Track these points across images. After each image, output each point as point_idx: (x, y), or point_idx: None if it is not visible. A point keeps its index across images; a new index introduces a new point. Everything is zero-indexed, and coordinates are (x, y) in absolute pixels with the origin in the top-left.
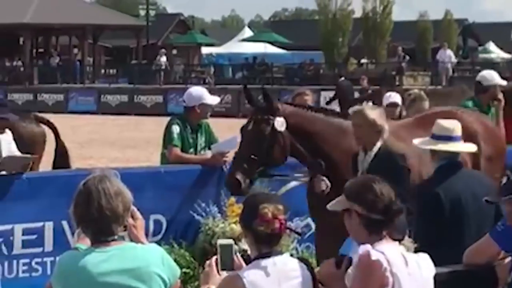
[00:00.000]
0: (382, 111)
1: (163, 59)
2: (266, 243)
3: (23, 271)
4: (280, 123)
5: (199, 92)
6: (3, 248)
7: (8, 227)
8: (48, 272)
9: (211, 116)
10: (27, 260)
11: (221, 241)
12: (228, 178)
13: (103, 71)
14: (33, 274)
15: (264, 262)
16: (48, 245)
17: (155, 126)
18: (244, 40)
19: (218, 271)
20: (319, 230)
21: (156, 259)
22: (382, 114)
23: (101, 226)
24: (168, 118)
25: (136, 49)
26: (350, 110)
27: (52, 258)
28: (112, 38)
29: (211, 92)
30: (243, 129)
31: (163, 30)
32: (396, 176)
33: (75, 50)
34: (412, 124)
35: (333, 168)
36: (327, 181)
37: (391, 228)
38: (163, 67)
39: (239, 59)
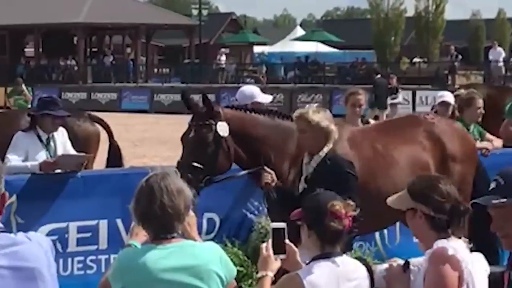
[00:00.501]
0: (327, 113)
1: (223, 58)
2: (331, 242)
3: (78, 269)
4: (223, 128)
5: (251, 90)
6: (58, 245)
7: (63, 225)
8: (102, 269)
9: None
10: (81, 258)
11: (274, 225)
12: None
13: (156, 70)
14: (88, 271)
15: (325, 262)
16: (103, 243)
17: None
18: (296, 39)
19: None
20: None
21: (214, 257)
22: (327, 116)
23: (163, 223)
24: None
25: (189, 48)
26: (293, 114)
27: (106, 256)
28: (165, 38)
29: (263, 91)
30: (183, 137)
31: (215, 30)
32: (342, 183)
33: (128, 50)
34: (373, 130)
35: (277, 174)
36: (274, 175)
37: (456, 227)
38: (223, 66)
39: (291, 58)
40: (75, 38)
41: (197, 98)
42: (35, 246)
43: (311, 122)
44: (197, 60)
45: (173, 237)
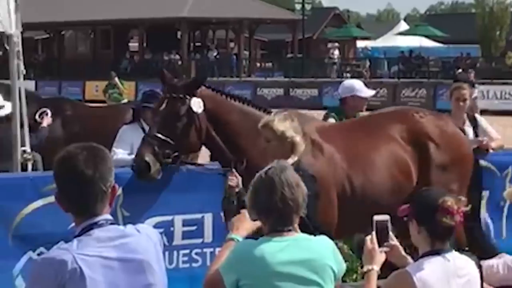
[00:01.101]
0: (295, 123)
1: (336, 52)
2: (441, 238)
3: (183, 262)
4: (197, 104)
5: (352, 83)
6: (164, 238)
7: (168, 218)
8: (208, 262)
9: (367, 109)
10: (187, 251)
11: (377, 217)
12: (136, 159)
13: (258, 64)
14: (193, 264)
15: (435, 258)
16: (208, 236)
17: None
18: (399, 33)
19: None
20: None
21: (328, 251)
22: (294, 126)
23: (283, 216)
24: (323, 112)
25: (292, 42)
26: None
27: (211, 249)
28: (268, 32)
29: (366, 85)
30: (155, 109)
31: (318, 24)
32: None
33: (232, 44)
34: (351, 125)
35: (247, 167)
36: (240, 181)
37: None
38: (336, 60)
39: (395, 52)
40: (179, 33)
41: (300, 92)
42: (144, 238)
43: (276, 131)
44: (300, 55)
45: (289, 230)
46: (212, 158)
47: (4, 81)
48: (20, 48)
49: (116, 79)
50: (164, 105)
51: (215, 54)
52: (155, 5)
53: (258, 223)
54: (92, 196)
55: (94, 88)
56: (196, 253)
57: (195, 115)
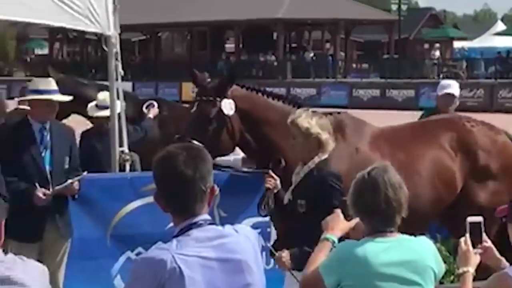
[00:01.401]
0: (323, 120)
1: (437, 53)
2: None
3: None
4: (228, 106)
5: (443, 82)
6: (261, 239)
7: (265, 219)
8: None
9: (464, 110)
10: None
11: (470, 219)
12: None
13: (354, 65)
14: None
15: None
16: None
17: (407, 120)
18: (497, 34)
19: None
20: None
21: (429, 252)
22: (321, 123)
23: (386, 216)
24: (419, 113)
25: (388, 43)
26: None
27: None
28: (364, 33)
29: (462, 86)
30: (187, 112)
31: (415, 25)
32: (323, 199)
33: (327, 45)
34: (402, 132)
35: (285, 166)
36: (278, 182)
37: None
38: (436, 61)
39: (492, 53)
40: (275, 34)
41: (396, 93)
42: (243, 238)
43: (300, 128)
44: (396, 55)
45: (391, 231)
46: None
47: (102, 82)
48: (118, 49)
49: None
50: (194, 108)
51: (311, 55)
52: (251, 6)
53: (352, 223)
54: (191, 196)
55: (190, 89)
56: None
57: (226, 117)
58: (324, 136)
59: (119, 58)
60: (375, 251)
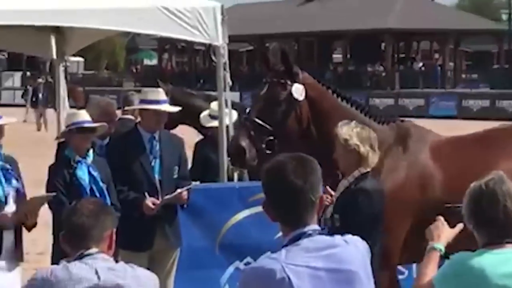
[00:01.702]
0: (366, 133)
1: None
2: None
3: None
4: (299, 90)
5: None
6: None
7: None
8: (413, 274)
9: None
10: None
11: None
12: (231, 143)
13: (463, 76)
14: (400, 276)
15: None
16: None
17: None
18: None
19: None
20: None
21: None
22: (363, 136)
23: (505, 228)
24: None
25: (498, 53)
26: None
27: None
28: (473, 43)
29: None
30: (255, 94)
31: None
32: (351, 217)
33: (436, 55)
34: (469, 141)
35: (339, 173)
36: (333, 196)
37: None
38: None
39: None
40: (383, 44)
41: (506, 103)
42: (352, 249)
43: (339, 139)
44: (506, 66)
45: (508, 242)
46: None
47: (211, 93)
48: (226, 60)
49: None
50: (264, 90)
51: (419, 65)
52: (359, 16)
53: (456, 230)
54: (301, 206)
55: None
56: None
57: (295, 102)
58: (363, 149)
59: (227, 68)
60: (493, 263)
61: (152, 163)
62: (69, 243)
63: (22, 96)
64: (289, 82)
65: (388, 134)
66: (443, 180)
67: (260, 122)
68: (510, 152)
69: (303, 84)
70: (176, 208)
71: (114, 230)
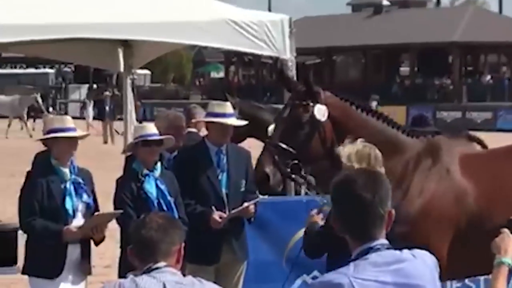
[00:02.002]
0: (367, 149)
1: None
2: None
3: None
4: (321, 111)
5: None
6: None
7: None
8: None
9: None
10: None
11: None
12: (256, 169)
13: None
14: None
15: None
16: None
17: None
18: None
19: None
20: None
21: None
22: (361, 153)
23: None
24: None
25: None
26: None
27: (485, 276)
28: None
29: None
30: (278, 117)
31: None
32: None
33: (504, 68)
34: (502, 154)
35: None
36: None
37: None
38: None
39: None
40: (450, 57)
41: None
42: (420, 263)
43: (340, 156)
44: None
45: None
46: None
47: (278, 106)
48: (294, 73)
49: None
50: (286, 112)
51: (487, 78)
52: (426, 29)
53: None
54: (370, 220)
55: None
56: (469, 280)
57: (318, 123)
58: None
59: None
60: None
61: (219, 177)
62: (137, 257)
63: (81, 109)
64: (311, 103)
65: (417, 147)
66: (478, 193)
67: (283, 146)
68: None
69: (325, 104)
70: (243, 221)
71: (183, 244)
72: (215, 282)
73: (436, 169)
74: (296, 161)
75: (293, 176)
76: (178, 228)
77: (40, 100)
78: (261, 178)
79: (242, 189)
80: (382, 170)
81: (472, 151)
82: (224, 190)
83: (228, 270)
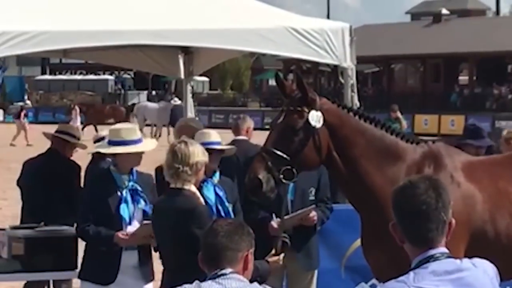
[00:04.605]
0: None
1: None
2: None
3: None
4: (315, 117)
5: None
6: None
7: None
8: None
9: None
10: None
11: None
12: (248, 176)
13: None
14: None
15: None
16: None
17: None
18: None
19: None
20: None
21: None
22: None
23: None
24: None
25: None
26: None
27: None
28: None
29: None
30: (272, 123)
31: None
32: None
33: None
34: (504, 161)
35: (372, 195)
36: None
37: None
38: None
39: None
40: (509, 66)
41: None
42: (481, 273)
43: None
44: None
45: None
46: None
47: None
48: (354, 81)
49: (399, 113)
50: (281, 119)
51: None
52: (485, 38)
53: None
54: (431, 226)
55: (423, 122)
56: None
57: (313, 130)
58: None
59: (355, 90)
60: None
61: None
62: (205, 263)
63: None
64: (306, 109)
65: (418, 153)
66: (483, 199)
67: (277, 152)
68: None
69: (321, 110)
70: (310, 230)
71: (251, 251)
72: None
73: (441, 175)
74: (289, 167)
75: (287, 182)
76: (246, 235)
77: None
78: (253, 184)
79: (311, 197)
80: None
81: (473, 158)
82: (289, 197)
83: (296, 279)
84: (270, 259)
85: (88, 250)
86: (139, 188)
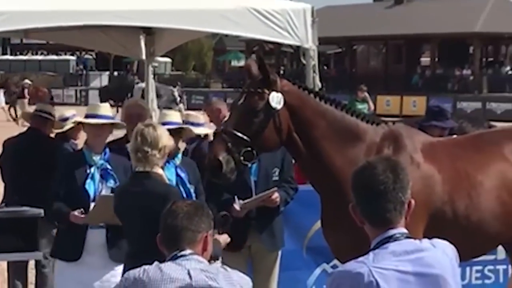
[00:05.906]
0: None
1: None
2: None
3: (476, 278)
4: (276, 99)
5: None
6: None
7: None
8: (500, 280)
9: None
10: (479, 267)
11: None
12: (208, 157)
13: None
14: (486, 281)
15: None
16: (501, 253)
17: None
18: None
19: None
20: None
21: None
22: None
23: None
24: None
25: None
26: None
27: (504, 266)
28: None
29: None
30: (233, 104)
31: None
32: None
33: None
34: (461, 142)
35: (332, 176)
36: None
37: None
38: None
39: None
40: (471, 48)
41: None
42: (440, 253)
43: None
44: None
45: None
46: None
47: None
48: (316, 62)
49: (366, 93)
50: (242, 100)
51: (508, 69)
52: (447, 20)
53: None
54: (390, 207)
55: (385, 102)
56: (488, 270)
57: (273, 111)
58: None
59: (316, 70)
60: None
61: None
62: (164, 244)
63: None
64: (266, 91)
65: (378, 134)
66: (442, 180)
67: (237, 133)
68: (502, 153)
69: (282, 92)
70: (274, 210)
71: (210, 232)
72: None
73: (401, 156)
74: (249, 149)
75: (247, 164)
76: (205, 216)
77: (176, 93)
78: (213, 166)
79: (275, 178)
80: None
81: (433, 139)
82: (252, 178)
83: (261, 259)
84: (219, 237)
85: (58, 228)
86: (109, 167)
